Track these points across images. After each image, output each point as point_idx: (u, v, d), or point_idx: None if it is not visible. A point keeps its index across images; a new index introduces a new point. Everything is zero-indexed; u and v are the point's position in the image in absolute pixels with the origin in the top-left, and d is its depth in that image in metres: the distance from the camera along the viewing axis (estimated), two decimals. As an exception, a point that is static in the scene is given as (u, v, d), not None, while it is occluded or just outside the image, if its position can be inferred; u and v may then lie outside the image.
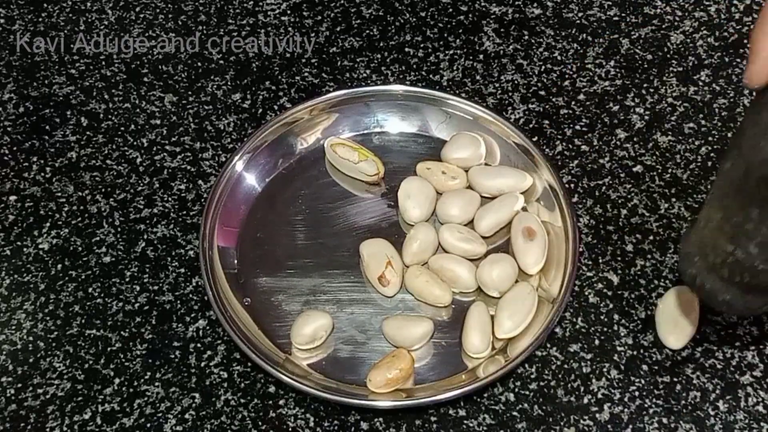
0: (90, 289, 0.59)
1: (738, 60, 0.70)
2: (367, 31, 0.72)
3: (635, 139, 0.66)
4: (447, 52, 0.71)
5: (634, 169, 0.64)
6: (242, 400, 0.55)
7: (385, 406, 0.54)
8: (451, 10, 0.74)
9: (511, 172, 0.63)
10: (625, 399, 0.54)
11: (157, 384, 0.55)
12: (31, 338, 0.57)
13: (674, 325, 0.56)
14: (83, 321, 0.58)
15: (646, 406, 0.54)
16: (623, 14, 0.73)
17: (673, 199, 0.63)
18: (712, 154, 0.65)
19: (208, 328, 0.58)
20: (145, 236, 0.62)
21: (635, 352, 0.56)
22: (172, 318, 0.58)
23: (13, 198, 0.63)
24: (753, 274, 0.46)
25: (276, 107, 0.68)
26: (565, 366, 0.56)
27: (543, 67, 0.70)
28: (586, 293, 0.59)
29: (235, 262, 0.60)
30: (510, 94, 0.68)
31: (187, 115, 0.68)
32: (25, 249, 0.61)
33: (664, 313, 0.57)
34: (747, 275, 0.47)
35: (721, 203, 0.46)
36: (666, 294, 0.58)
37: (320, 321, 0.56)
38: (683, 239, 0.51)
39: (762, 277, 0.46)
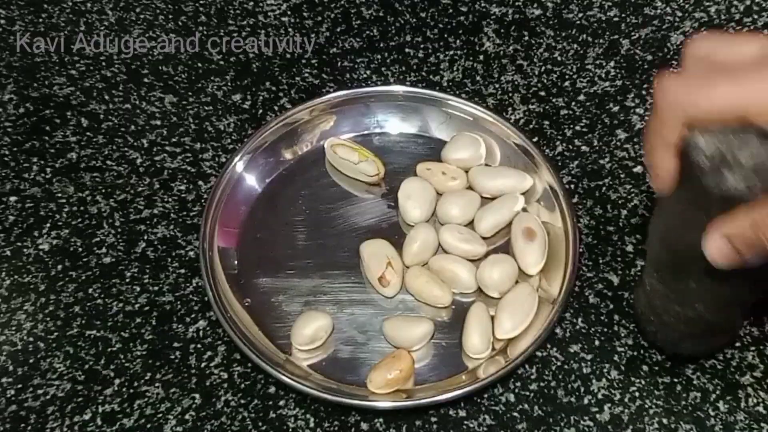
0: (90, 290, 0.59)
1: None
2: (368, 32, 0.72)
3: (635, 139, 0.66)
4: (447, 52, 0.71)
5: (635, 170, 0.64)
6: (242, 401, 0.55)
7: (385, 406, 0.54)
8: (451, 10, 0.74)
9: (512, 172, 0.63)
10: (626, 399, 0.54)
11: (157, 385, 0.55)
12: (31, 339, 0.57)
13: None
14: (83, 322, 0.58)
15: (646, 406, 0.54)
16: (623, 15, 0.73)
17: (674, 200, 0.63)
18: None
19: (208, 328, 0.57)
20: (146, 237, 0.62)
21: (635, 353, 0.56)
22: (173, 319, 0.58)
23: (13, 198, 0.63)
24: (706, 325, 0.50)
25: (276, 108, 0.68)
26: (566, 366, 0.56)
27: (543, 67, 0.70)
28: (587, 294, 0.59)
29: (236, 262, 0.60)
30: (510, 94, 0.68)
31: (187, 115, 0.68)
32: (25, 250, 0.61)
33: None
34: (701, 327, 0.51)
35: (659, 276, 0.50)
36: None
37: (320, 321, 0.56)
38: (635, 297, 0.56)
39: (714, 326, 0.51)
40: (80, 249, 0.61)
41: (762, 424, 0.53)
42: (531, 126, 0.66)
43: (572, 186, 0.63)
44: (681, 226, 0.44)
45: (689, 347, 0.54)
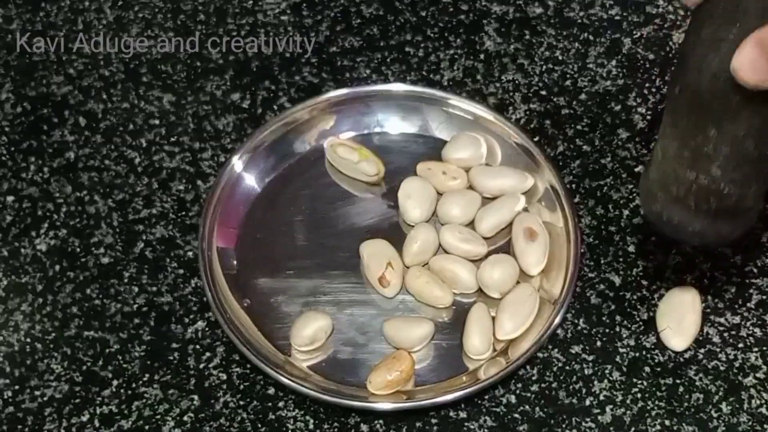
0: (88, 291, 0.59)
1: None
2: (368, 31, 0.72)
3: (637, 139, 0.65)
4: (447, 51, 0.71)
5: (636, 170, 0.64)
6: (241, 402, 0.54)
7: (385, 408, 0.53)
8: (451, 9, 0.73)
9: (512, 172, 0.62)
10: (628, 401, 0.54)
11: (155, 386, 0.55)
12: (28, 340, 0.57)
13: (676, 326, 0.56)
14: (81, 322, 0.58)
15: (648, 408, 0.54)
16: (625, 13, 0.73)
17: (676, 200, 0.62)
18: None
19: (207, 329, 0.57)
20: (144, 237, 0.61)
21: (637, 354, 0.56)
22: (171, 319, 0.58)
23: (10, 198, 0.63)
24: (719, 197, 0.45)
25: (275, 107, 0.67)
26: (567, 368, 0.55)
27: (544, 66, 0.69)
28: (588, 294, 0.58)
29: (235, 263, 0.60)
30: (511, 93, 0.68)
31: (186, 115, 0.67)
32: (22, 250, 0.61)
33: (666, 315, 0.56)
34: (714, 200, 0.46)
35: (675, 131, 0.45)
36: (666, 295, 0.57)
37: (320, 322, 0.56)
38: (642, 178, 0.50)
39: (728, 199, 0.45)
40: (78, 249, 0.61)
41: (765, 426, 0.53)
42: (532, 125, 0.66)
43: (573, 186, 0.63)
44: (709, 49, 0.40)
45: (697, 230, 0.48)
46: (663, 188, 0.47)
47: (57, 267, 0.60)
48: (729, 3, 0.38)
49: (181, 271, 0.60)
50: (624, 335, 0.57)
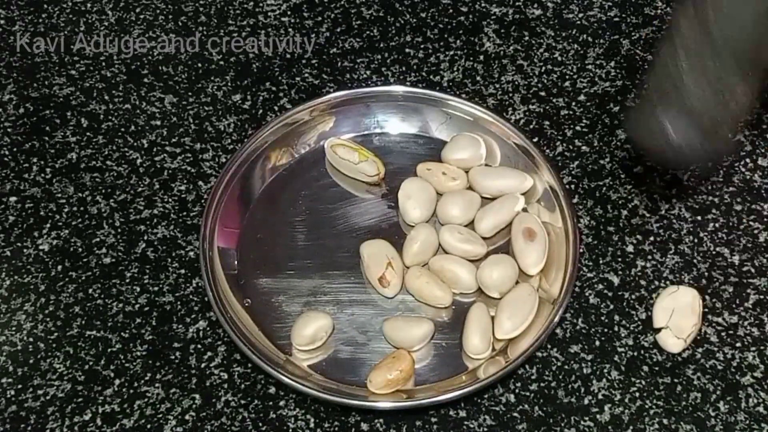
0: (90, 290, 0.59)
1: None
2: (368, 32, 0.72)
3: (636, 139, 0.66)
4: (447, 52, 0.71)
5: (635, 170, 0.64)
6: (242, 401, 0.55)
7: (385, 407, 0.54)
8: (451, 10, 0.74)
9: (512, 173, 0.63)
10: (626, 400, 0.54)
11: (157, 385, 0.55)
12: (31, 339, 0.57)
13: (675, 327, 0.56)
14: (83, 322, 0.58)
15: (646, 407, 0.54)
16: (624, 15, 0.73)
17: (674, 200, 0.62)
18: (712, 155, 0.65)
19: (208, 329, 0.57)
20: (146, 237, 0.61)
21: (636, 353, 0.56)
22: (173, 319, 0.58)
23: (13, 199, 0.63)
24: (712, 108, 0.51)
25: (276, 108, 0.68)
26: (566, 367, 0.56)
27: (543, 67, 0.70)
28: (587, 294, 0.59)
29: (236, 263, 0.60)
30: (510, 94, 0.68)
31: (187, 116, 0.68)
32: (25, 250, 0.61)
33: (664, 315, 0.57)
34: (708, 110, 0.51)
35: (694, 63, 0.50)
36: (663, 294, 0.57)
37: (321, 322, 0.56)
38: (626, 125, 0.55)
39: (718, 115, 0.51)
40: (80, 249, 0.61)
41: (762, 425, 0.53)
42: (531, 126, 0.66)
43: (572, 186, 0.63)
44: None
45: (688, 141, 0.52)
46: (659, 96, 0.52)
47: (59, 267, 0.60)
48: None
49: (183, 271, 0.60)
50: (622, 335, 0.57)
